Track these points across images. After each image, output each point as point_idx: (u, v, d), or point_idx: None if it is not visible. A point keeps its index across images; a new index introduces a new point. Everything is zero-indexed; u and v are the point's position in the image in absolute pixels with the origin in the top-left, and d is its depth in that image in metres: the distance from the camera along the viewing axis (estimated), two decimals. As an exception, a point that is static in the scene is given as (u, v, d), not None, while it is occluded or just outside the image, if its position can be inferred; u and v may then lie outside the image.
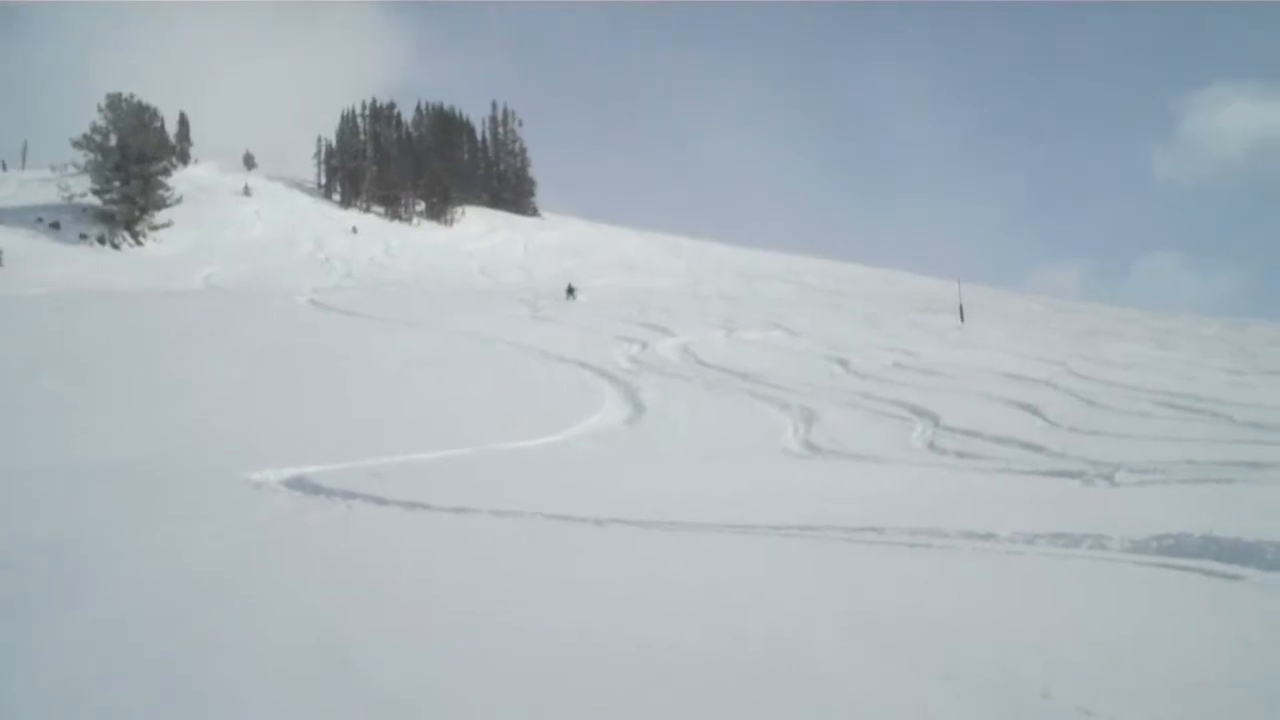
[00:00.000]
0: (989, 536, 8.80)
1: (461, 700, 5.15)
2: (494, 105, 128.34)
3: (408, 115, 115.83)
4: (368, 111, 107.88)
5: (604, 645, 5.96)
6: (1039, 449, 17.38)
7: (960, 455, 17.33)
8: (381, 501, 11.39)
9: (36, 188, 78.76)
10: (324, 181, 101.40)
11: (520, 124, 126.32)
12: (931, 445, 18.51)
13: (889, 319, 46.32)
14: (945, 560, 8.12)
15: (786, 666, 5.56)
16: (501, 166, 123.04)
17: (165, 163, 78.37)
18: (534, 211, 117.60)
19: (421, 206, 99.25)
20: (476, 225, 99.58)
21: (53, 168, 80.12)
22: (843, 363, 29.47)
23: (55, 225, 69.99)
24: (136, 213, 71.90)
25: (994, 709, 4.90)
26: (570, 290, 52.65)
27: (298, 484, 12.86)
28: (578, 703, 5.12)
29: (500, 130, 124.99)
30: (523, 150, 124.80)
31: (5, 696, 5.19)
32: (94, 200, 72.27)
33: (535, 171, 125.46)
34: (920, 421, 20.74)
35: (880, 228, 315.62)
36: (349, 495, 11.79)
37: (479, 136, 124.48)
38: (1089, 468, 14.81)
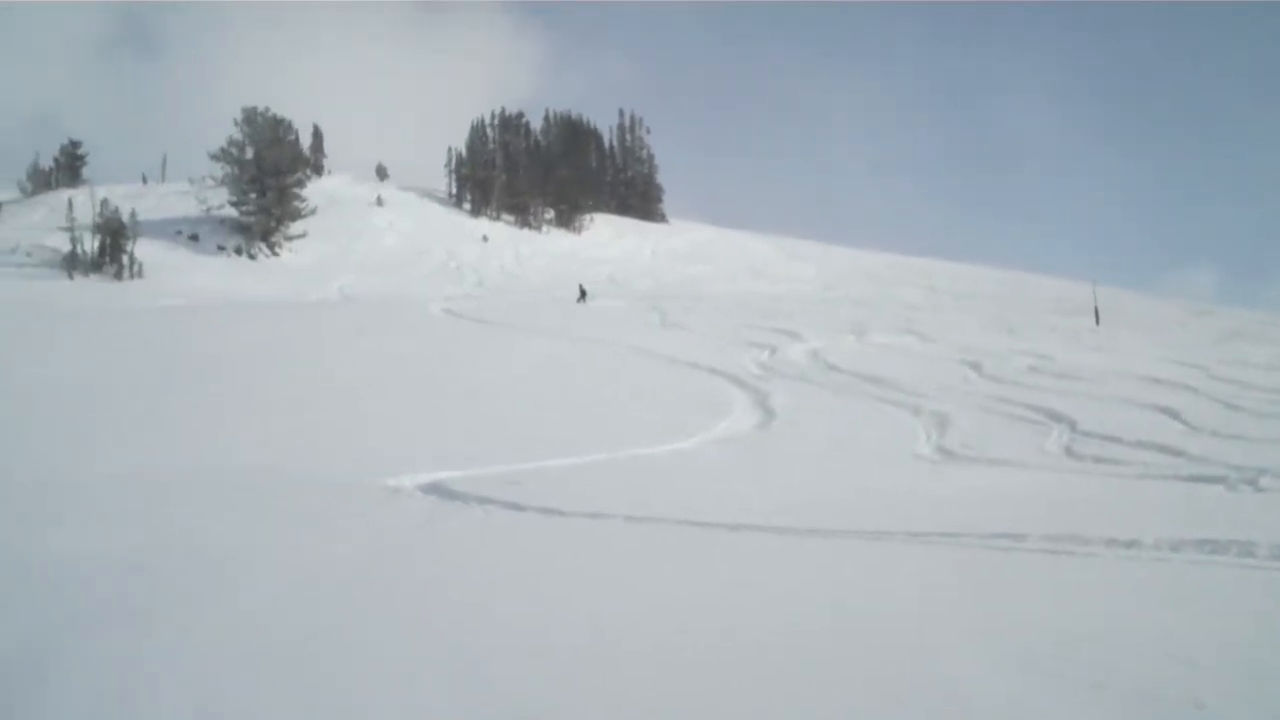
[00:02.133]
0: (1133, 544, 8.62)
1: (593, 712, 5.16)
2: (621, 113, 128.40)
3: (536, 124, 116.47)
4: (497, 121, 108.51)
5: (744, 652, 5.94)
6: (1179, 453, 16.99)
7: (1098, 460, 17.00)
8: (517, 508, 11.46)
9: (176, 200, 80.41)
10: (454, 191, 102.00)
11: (648, 131, 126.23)
12: (1068, 450, 18.18)
13: (1021, 322, 45.62)
14: (1088, 568, 7.98)
15: (925, 676, 5.51)
16: (629, 173, 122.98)
17: (300, 175, 79.49)
18: (661, 218, 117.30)
19: (550, 214, 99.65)
20: (604, 232, 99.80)
21: (191, 181, 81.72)
22: (975, 366, 29.07)
23: (194, 237, 71.56)
24: (272, 224, 73.21)
25: (1143, 720, 4.80)
26: (582, 293, 52.06)
27: (434, 490, 12.99)
28: (712, 715, 5.11)
29: (628, 137, 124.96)
30: (650, 157, 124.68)
31: (143, 700, 5.30)
32: (231, 212, 73.69)
33: (663, 178, 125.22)
34: (1056, 426, 20.39)
35: (1009, 230, 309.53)
36: (485, 501, 11.89)
37: (606, 144, 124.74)
38: (1232, 473, 14.45)
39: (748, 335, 35.89)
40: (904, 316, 46.09)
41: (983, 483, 14.89)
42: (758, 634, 6.29)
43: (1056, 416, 21.22)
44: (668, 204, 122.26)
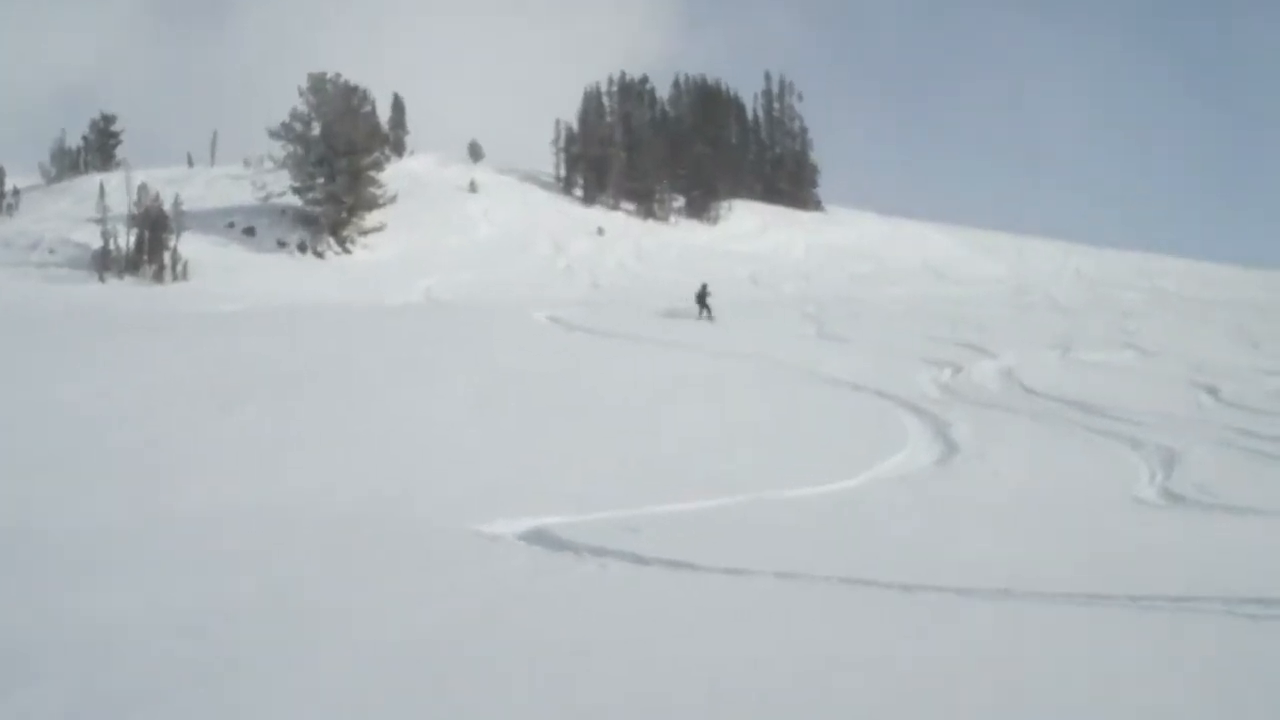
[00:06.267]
0: None
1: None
2: (767, 77, 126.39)
3: (663, 91, 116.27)
4: (615, 88, 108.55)
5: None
6: None
7: (1374, 510, 16.63)
8: (639, 560, 11.48)
9: (227, 186, 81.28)
10: (563, 174, 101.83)
11: (799, 99, 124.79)
12: (1333, 496, 17.80)
13: (1271, 334, 44.70)
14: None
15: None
16: (777, 150, 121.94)
17: (377, 155, 79.66)
18: (817, 205, 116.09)
19: (680, 201, 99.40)
20: (747, 222, 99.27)
21: (246, 163, 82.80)
22: (1211, 390, 28.58)
23: (249, 231, 72.36)
24: (344, 214, 73.53)
25: None
26: (703, 300, 46.48)
27: (538, 538, 13.03)
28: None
29: (775, 107, 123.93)
30: (803, 131, 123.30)
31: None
32: (294, 200, 74.18)
33: (819, 156, 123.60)
34: (1317, 464, 19.99)
35: (1257, 220, 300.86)
36: (599, 552, 11.92)
37: (749, 115, 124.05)
38: None
39: (924, 349, 35.61)
40: (1121, 326, 45.44)
41: (1223, 535, 14.63)
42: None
43: (1317, 452, 20.81)
44: (825, 188, 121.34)
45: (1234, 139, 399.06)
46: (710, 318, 45.14)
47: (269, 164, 77.14)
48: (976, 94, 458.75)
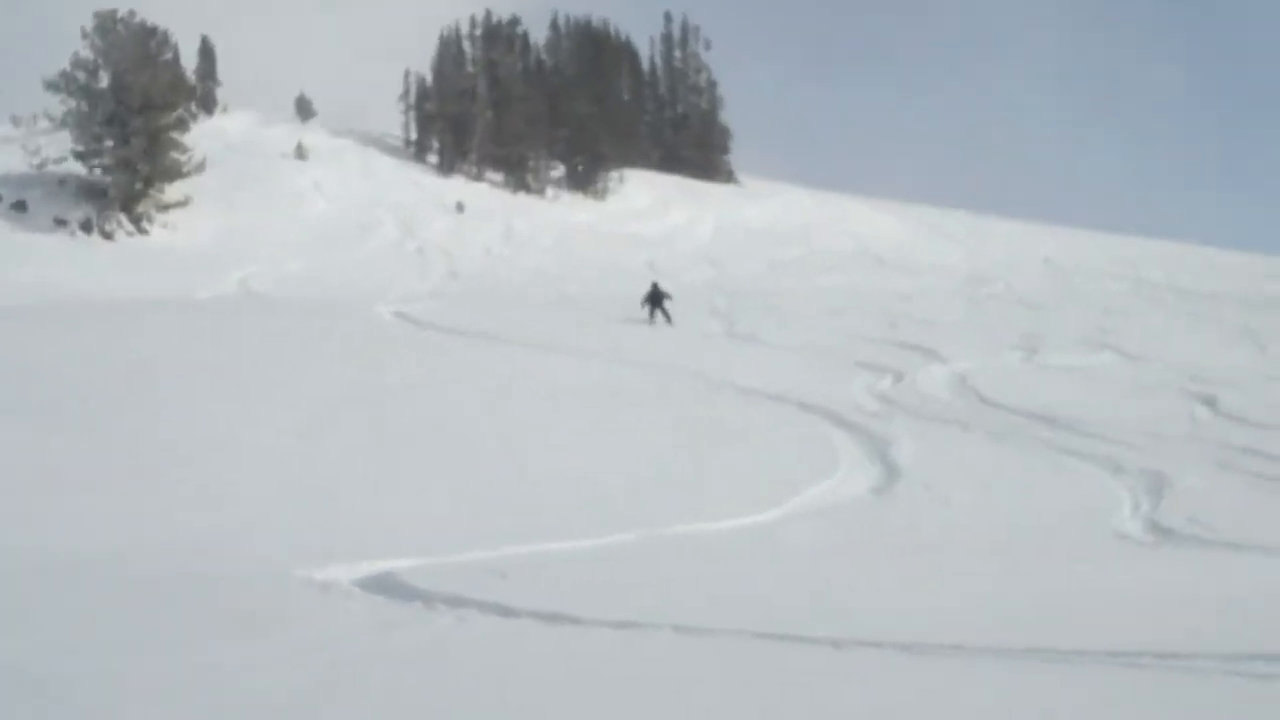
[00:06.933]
0: None
1: None
2: (667, 19, 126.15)
3: (539, 35, 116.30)
4: (479, 31, 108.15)
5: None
6: None
7: (1399, 544, 16.87)
8: (507, 612, 11.44)
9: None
10: (414, 136, 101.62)
11: (707, 46, 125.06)
12: (1351, 529, 18.04)
13: (1278, 333, 45.26)
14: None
15: None
16: (679, 109, 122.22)
17: (180, 112, 78.72)
18: (729, 176, 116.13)
19: (559, 171, 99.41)
20: (642, 197, 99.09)
21: (15, 121, 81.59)
22: (1208, 401, 28.89)
23: (20, 205, 71.17)
24: (139, 185, 72.42)
25: None
26: (657, 302, 44.95)
27: (381, 585, 12.97)
28: None
29: (677, 55, 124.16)
30: (711, 85, 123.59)
31: None
32: (77, 168, 73.08)
33: (730, 117, 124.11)
34: (1333, 492, 20.25)
35: (1263, 199, 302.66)
36: (457, 602, 11.85)
37: (645, 65, 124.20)
38: None
39: (859, 352, 35.79)
40: (1098, 324, 45.88)
41: (1222, 578, 14.78)
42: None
43: (1333, 477, 21.06)
44: (739, 156, 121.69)
45: (1233, 101, 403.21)
46: (668, 322, 44.32)
47: (45, 123, 76.12)
48: (926, 46, 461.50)
